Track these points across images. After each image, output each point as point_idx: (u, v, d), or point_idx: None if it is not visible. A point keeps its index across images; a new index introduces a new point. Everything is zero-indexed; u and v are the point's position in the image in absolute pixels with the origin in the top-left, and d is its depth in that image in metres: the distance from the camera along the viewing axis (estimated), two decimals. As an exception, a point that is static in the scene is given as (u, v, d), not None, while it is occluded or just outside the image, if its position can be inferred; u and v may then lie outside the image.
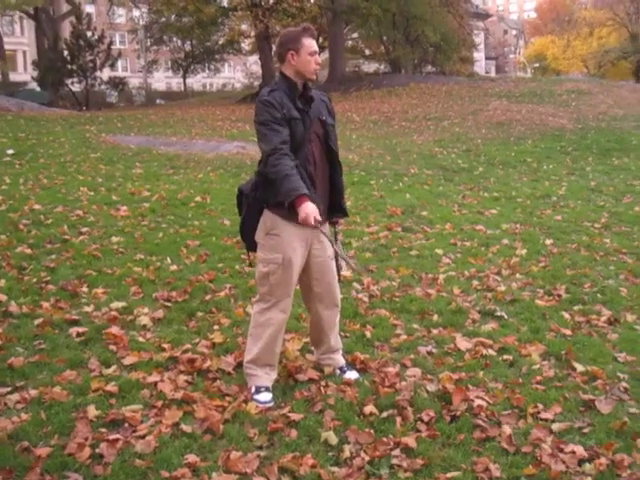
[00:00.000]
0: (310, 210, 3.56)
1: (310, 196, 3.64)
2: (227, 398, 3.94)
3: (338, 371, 4.29)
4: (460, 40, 36.79)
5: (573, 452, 3.39)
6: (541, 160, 13.67)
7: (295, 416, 3.72)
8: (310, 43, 3.86)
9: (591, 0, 64.80)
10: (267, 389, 4.00)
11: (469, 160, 13.63)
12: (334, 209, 4.16)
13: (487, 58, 70.71)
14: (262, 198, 3.90)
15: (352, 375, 4.26)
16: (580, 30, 60.16)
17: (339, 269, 4.22)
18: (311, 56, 3.86)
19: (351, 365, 4.39)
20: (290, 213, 3.74)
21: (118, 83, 39.38)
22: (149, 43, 48.23)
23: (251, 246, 4.08)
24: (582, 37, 59.59)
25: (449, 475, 3.22)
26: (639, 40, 50.34)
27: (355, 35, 41.16)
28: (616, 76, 46.88)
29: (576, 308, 5.63)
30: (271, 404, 3.89)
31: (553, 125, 18.01)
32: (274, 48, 36.21)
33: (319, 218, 3.60)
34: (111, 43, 38.46)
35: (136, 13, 46.24)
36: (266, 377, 4.04)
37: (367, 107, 23.60)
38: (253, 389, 3.99)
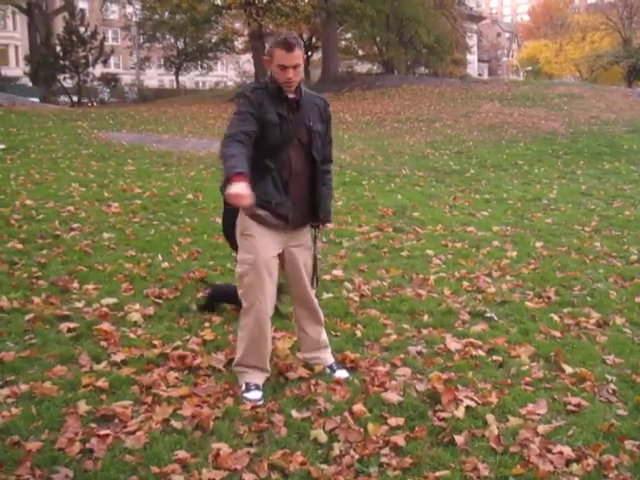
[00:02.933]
0: (236, 189, 3.34)
1: (247, 176, 3.43)
2: (217, 395, 3.95)
3: (328, 370, 4.30)
4: (453, 42, 36.94)
5: (561, 453, 3.41)
6: (532, 163, 13.72)
7: (285, 414, 3.74)
8: (280, 55, 3.73)
9: (584, 4, 65.04)
10: (257, 387, 4.01)
11: (461, 162, 13.67)
12: (314, 217, 4.07)
13: (480, 60, 70.91)
14: None
15: (342, 374, 4.27)
16: (573, 34, 60.35)
17: (315, 279, 4.19)
18: (280, 68, 3.74)
19: (341, 364, 4.41)
20: (260, 217, 3.77)
21: (110, 80, 39.35)
22: (142, 40, 48.19)
23: (233, 245, 4.11)
24: (575, 41, 59.78)
25: (438, 474, 3.23)
26: (632, 45, 50.56)
27: (348, 35, 41.19)
28: (608, 80, 47.06)
29: (565, 310, 5.66)
30: (261, 402, 3.90)
31: (545, 128, 18.08)
32: (267, 47, 36.29)
33: (247, 200, 3.38)
34: (104, 39, 38.47)
35: (129, 10, 46.11)
36: (257, 375, 4.05)
37: (359, 108, 23.63)
38: (243, 387, 4.00)
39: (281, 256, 4.04)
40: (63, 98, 35.29)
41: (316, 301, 4.32)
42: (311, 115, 3.94)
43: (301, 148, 3.91)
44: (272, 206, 3.80)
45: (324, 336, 4.39)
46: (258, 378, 4.05)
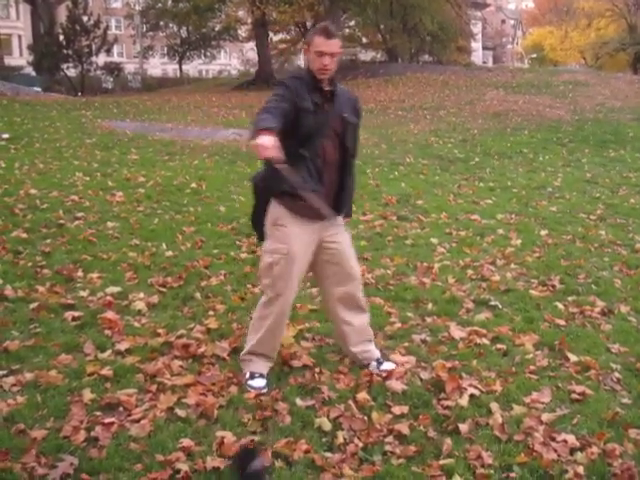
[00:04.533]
0: (261, 141, 3.29)
1: (274, 132, 3.36)
2: (221, 383, 3.96)
3: (374, 363, 4.21)
4: (457, 29, 36.74)
5: (565, 441, 3.41)
6: (537, 151, 13.67)
7: (289, 402, 3.75)
8: (318, 42, 3.76)
9: (590, -9, 64.61)
10: (262, 375, 4.01)
11: (465, 150, 13.63)
12: (338, 208, 4.02)
13: (484, 48, 70.56)
14: (269, 187, 3.85)
15: (389, 366, 4.19)
16: (578, 21, 59.96)
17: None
18: (317, 55, 3.76)
19: (385, 357, 4.32)
20: (296, 205, 3.75)
21: (114, 69, 39.31)
22: (145, 29, 47.95)
23: (262, 236, 4.03)
24: (580, 28, 59.40)
25: (442, 462, 3.24)
26: (637, 32, 50.19)
27: (352, 23, 41.01)
28: (614, 68, 46.80)
29: (570, 299, 5.65)
30: (264, 390, 3.91)
31: (550, 116, 18.01)
32: (271, 35, 36.17)
33: (271, 152, 3.31)
34: (107, 28, 38.44)
35: (132, -2, 46.00)
36: (262, 364, 4.05)
37: (363, 96, 23.52)
38: (247, 374, 4.00)
39: (317, 256, 3.99)
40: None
41: (361, 286, 4.26)
42: (345, 107, 3.95)
43: (335, 138, 3.90)
44: (302, 193, 3.69)
45: (368, 324, 4.30)
46: (263, 367, 4.05)
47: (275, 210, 3.88)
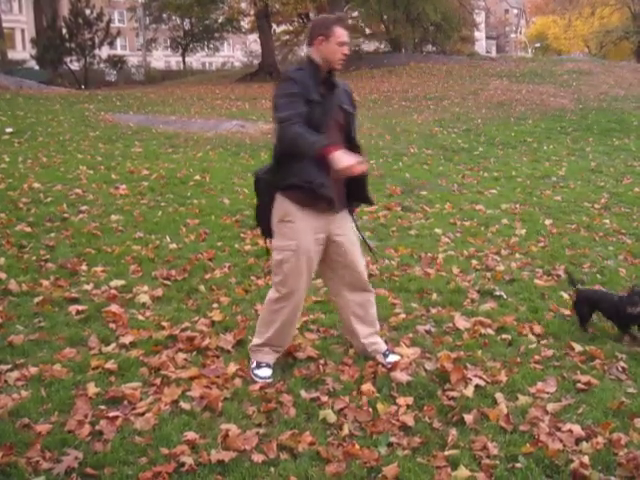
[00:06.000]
0: (346, 158, 3.45)
1: (336, 145, 3.54)
2: (226, 376, 3.95)
3: (381, 356, 4.19)
4: (461, 19, 36.63)
5: (570, 431, 3.41)
6: (541, 140, 13.63)
7: (294, 394, 3.75)
8: (341, 33, 3.79)
9: (593, -21, 64.23)
10: (268, 365, 4.02)
11: (469, 140, 13.59)
12: (355, 198, 4.07)
13: (488, 37, 70.35)
14: (275, 182, 3.83)
15: (394, 358, 4.18)
16: (582, 10, 59.55)
17: (371, 249, 4.36)
18: (339, 46, 3.79)
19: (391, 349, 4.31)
20: (304, 199, 3.74)
21: (117, 61, 39.25)
22: (148, 21, 47.90)
23: (266, 231, 4.01)
24: (584, 17, 59.01)
25: (447, 453, 3.23)
26: (641, 20, 49.96)
27: (355, 14, 40.86)
28: (617, 56, 46.56)
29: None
30: (269, 380, 3.91)
31: (554, 105, 17.95)
32: (274, 26, 36.07)
33: (360, 165, 3.49)
34: (110, 21, 38.32)
35: (135, -9, 45.90)
36: (271, 355, 4.06)
37: (367, 86, 23.49)
38: (254, 364, 4.01)
39: (325, 249, 3.98)
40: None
41: (368, 282, 4.26)
42: (343, 97, 3.98)
43: (338, 129, 3.91)
44: (313, 186, 3.71)
45: (376, 317, 4.30)
46: (271, 357, 4.06)
47: (282, 206, 3.85)
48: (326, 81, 3.87)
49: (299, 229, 3.81)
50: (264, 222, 3.97)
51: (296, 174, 3.68)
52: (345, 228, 4.04)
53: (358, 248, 4.14)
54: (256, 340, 4.09)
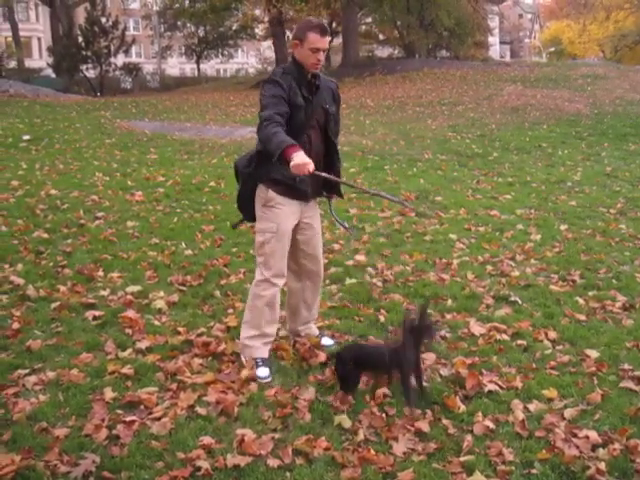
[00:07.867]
0: (301, 159, 3.55)
1: (301, 146, 3.69)
2: (241, 381, 3.97)
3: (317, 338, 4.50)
4: (474, 24, 36.51)
5: (587, 437, 3.39)
6: (556, 145, 13.58)
7: (308, 399, 3.76)
8: (314, 39, 3.88)
9: (608, -17, 63.92)
10: (263, 362, 4.10)
11: (483, 145, 13.57)
12: (331, 189, 4.31)
13: (502, 42, 70.20)
14: (256, 174, 4.04)
15: (327, 341, 4.46)
16: (596, 14, 59.32)
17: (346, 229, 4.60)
18: (311, 52, 3.90)
19: (323, 333, 4.58)
20: (284, 189, 3.99)
21: (132, 69, 39.48)
22: (163, 29, 48.27)
23: (247, 217, 4.25)
24: (598, 21, 58.78)
25: (462, 459, 3.23)
26: (656, 24, 49.71)
27: (369, 20, 40.96)
28: (633, 60, 46.30)
29: (591, 294, 5.60)
30: (269, 379, 4.00)
31: (568, 110, 17.88)
32: (287, 33, 36.18)
33: (312, 168, 3.59)
34: (125, 29, 38.59)
35: (150, -1, 46.22)
36: (261, 347, 4.16)
37: (381, 92, 23.51)
38: (252, 364, 4.09)
39: (293, 231, 4.18)
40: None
41: (322, 271, 4.49)
42: (327, 98, 4.13)
43: (318, 129, 4.11)
44: (295, 182, 3.94)
45: (317, 308, 4.61)
46: (263, 350, 4.17)
47: (264, 194, 4.06)
48: (309, 83, 4.01)
49: (281, 213, 4.06)
50: (246, 209, 4.20)
51: (279, 170, 3.87)
52: (314, 218, 4.29)
53: (320, 238, 4.40)
54: (244, 332, 4.19)
